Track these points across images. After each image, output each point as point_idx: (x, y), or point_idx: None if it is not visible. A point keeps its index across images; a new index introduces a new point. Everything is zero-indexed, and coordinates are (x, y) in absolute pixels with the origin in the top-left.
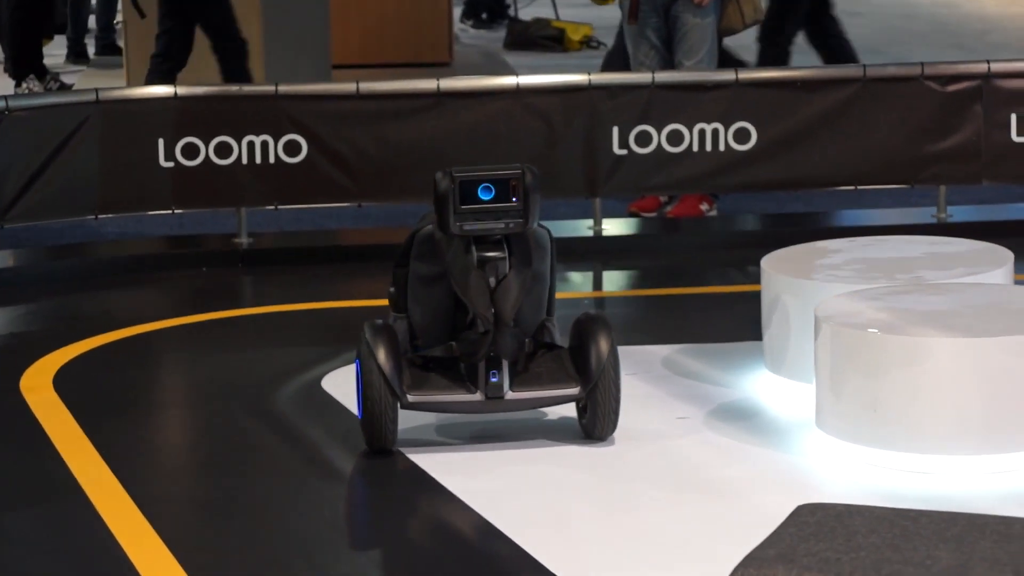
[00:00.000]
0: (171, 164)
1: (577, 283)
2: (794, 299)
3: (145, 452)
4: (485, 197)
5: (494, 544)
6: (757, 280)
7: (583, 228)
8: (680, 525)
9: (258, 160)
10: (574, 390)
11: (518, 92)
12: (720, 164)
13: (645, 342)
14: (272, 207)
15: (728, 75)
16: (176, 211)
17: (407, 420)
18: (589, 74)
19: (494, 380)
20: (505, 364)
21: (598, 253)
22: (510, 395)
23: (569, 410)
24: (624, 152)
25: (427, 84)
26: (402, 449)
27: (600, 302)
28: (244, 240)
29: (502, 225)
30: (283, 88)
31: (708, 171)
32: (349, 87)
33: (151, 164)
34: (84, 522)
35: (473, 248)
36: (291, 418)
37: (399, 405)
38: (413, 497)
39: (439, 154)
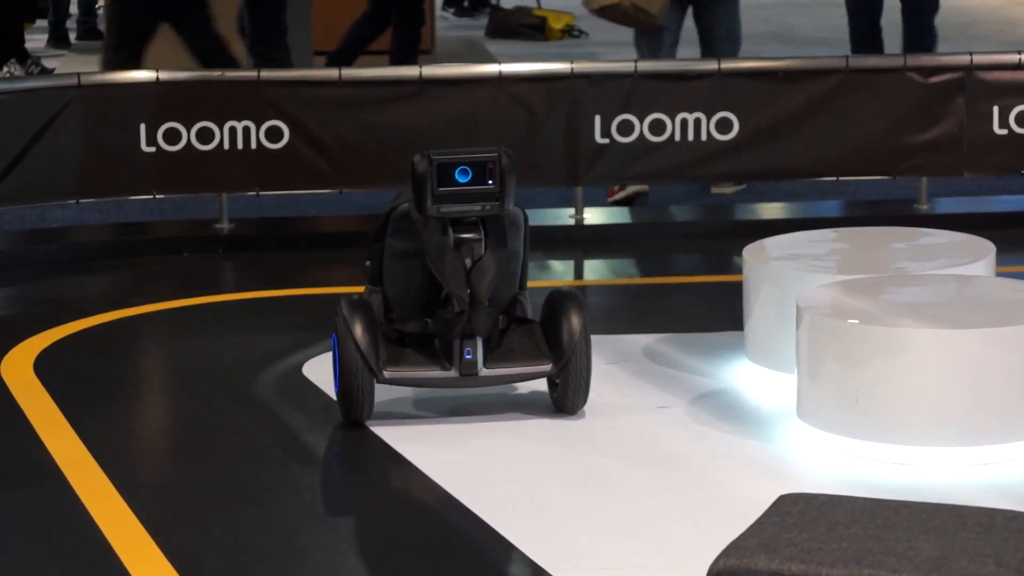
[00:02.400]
0: (152, 149)
1: (558, 272)
2: (775, 289)
3: (125, 437)
4: (462, 180)
5: (469, 526)
6: (738, 270)
7: (564, 217)
8: (659, 512)
9: (240, 146)
10: (546, 366)
11: (500, 80)
12: (702, 154)
13: (626, 331)
14: (253, 193)
15: (711, 65)
16: (157, 196)
17: (383, 393)
18: (571, 62)
19: (468, 357)
20: (479, 341)
21: (579, 242)
22: (484, 372)
23: (540, 383)
24: (606, 141)
25: (409, 71)
26: (379, 428)
27: (582, 291)
28: (225, 226)
29: (478, 207)
30: (265, 74)
31: (690, 161)
32: (331, 73)
33: (132, 149)
34: (64, 506)
35: (450, 230)
36: (271, 404)
37: (375, 380)
38: (391, 480)
39: (421, 141)
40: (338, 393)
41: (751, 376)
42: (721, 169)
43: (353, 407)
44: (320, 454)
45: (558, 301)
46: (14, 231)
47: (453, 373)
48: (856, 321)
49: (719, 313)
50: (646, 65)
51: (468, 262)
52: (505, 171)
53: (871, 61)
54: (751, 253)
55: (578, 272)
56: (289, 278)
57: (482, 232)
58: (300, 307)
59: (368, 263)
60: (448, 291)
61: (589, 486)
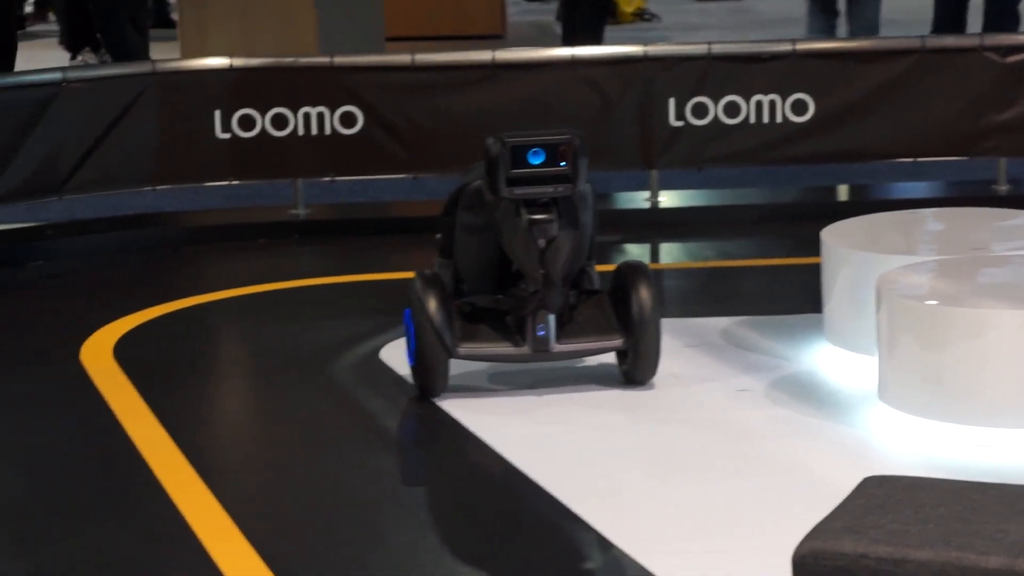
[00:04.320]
0: (228, 135)
1: (634, 255)
2: (855, 271)
3: (205, 421)
4: (535, 161)
5: (544, 505)
6: (815, 252)
7: (639, 200)
8: (739, 494)
9: (314, 131)
10: (618, 341)
11: (573, 63)
12: (777, 136)
13: (703, 314)
14: (328, 179)
15: (785, 46)
16: (233, 182)
17: (456, 366)
18: (644, 45)
19: (541, 334)
20: (551, 318)
21: (655, 225)
22: (556, 347)
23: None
24: (680, 124)
25: (482, 56)
26: (455, 409)
27: (657, 274)
28: (301, 212)
29: (551, 189)
30: (339, 60)
31: (765, 143)
32: (404, 59)
33: (208, 135)
34: (146, 491)
35: (523, 210)
36: (349, 388)
37: (449, 356)
38: (467, 461)
39: (493, 126)
40: (412, 368)
41: (831, 358)
42: (796, 151)
43: (428, 381)
44: (398, 437)
45: (627, 274)
46: (90, 219)
47: (526, 349)
48: (937, 302)
49: (797, 295)
50: (720, 47)
51: (542, 242)
52: (577, 153)
53: (947, 41)
54: (830, 235)
55: (654, 255)
56: (364, 263)
57: (555, 212)
58: (376, 292)
59: (439, 236)
60: (522, 271)
61: (667, 465)
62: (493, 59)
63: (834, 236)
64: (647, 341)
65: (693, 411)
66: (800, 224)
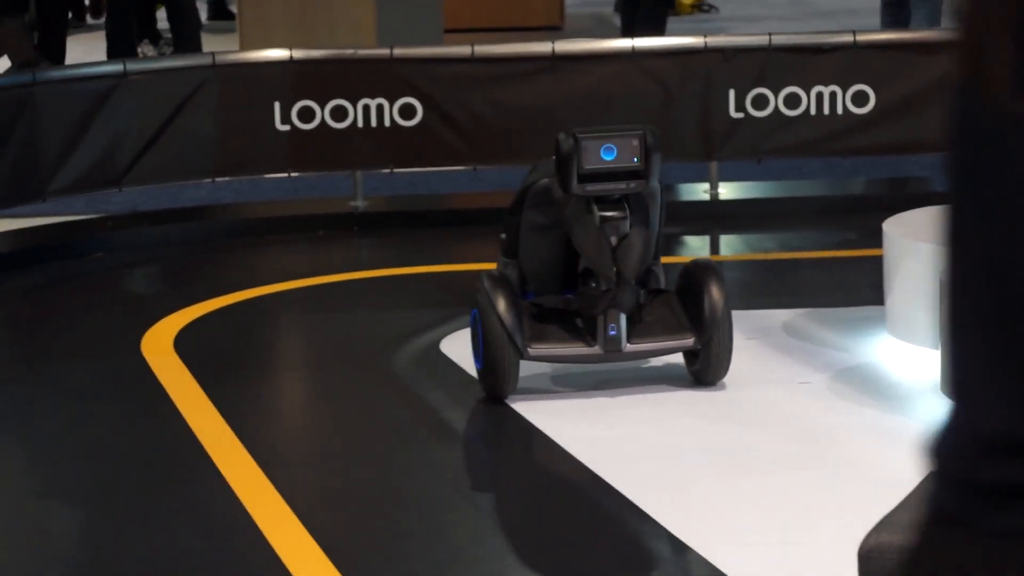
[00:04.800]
0: (287, 127)
1: (694, 247)
2: (918, 263)
3: (266, 414)
4: (607, 157)
5: (610, 501)
6: (876, 244)
7: (699, 192)
8: (803, 487)
9: (373, 123)
10: (689, 340)
11: (633, 55)
12: (838, 127)
13: (764, 306)
14: (387, 170)
15: (846, 37)
16: (292, 174)
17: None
18: (705, 36)
19: (612, 334)
20: (623, 318)
21: (715, 217)
22: (628, 347)
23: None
24: (741, 115)
25: (542, 47)
26: (517, 403)
27: (721, 265)
28: (360, 203)
29: (623, 186)
30: (398, 51)
31: (826, 135)
32: (464, 50)
33: (267, 127)
34: (209, 484)
35: (594, 207)
36: (410, 380)
37: (520, 357)
38: (531, 456)
39: (553, 117)
40: (480, 369)
41: (893, 351)
42: (857, 143)
43: (497, 383)
44: (460, 430)
45: (697, 273)
46: (150, 210)
47: (597, 349)
48: None
49: (858, 288)
50: (781, 38)
51: (613, 240)
52: (650, 149)
53: None
54: (892, 227)
55: (714, 247)
56: (423, 255)
57: (626, 209)
58: (434, 284)
59: (503, 236)
60: (594, 269)
61: (731, 461)
62: (553, 51)
63: (896, 228)
64: (719, 341)
65: (755, 402)
66: (861, 216)
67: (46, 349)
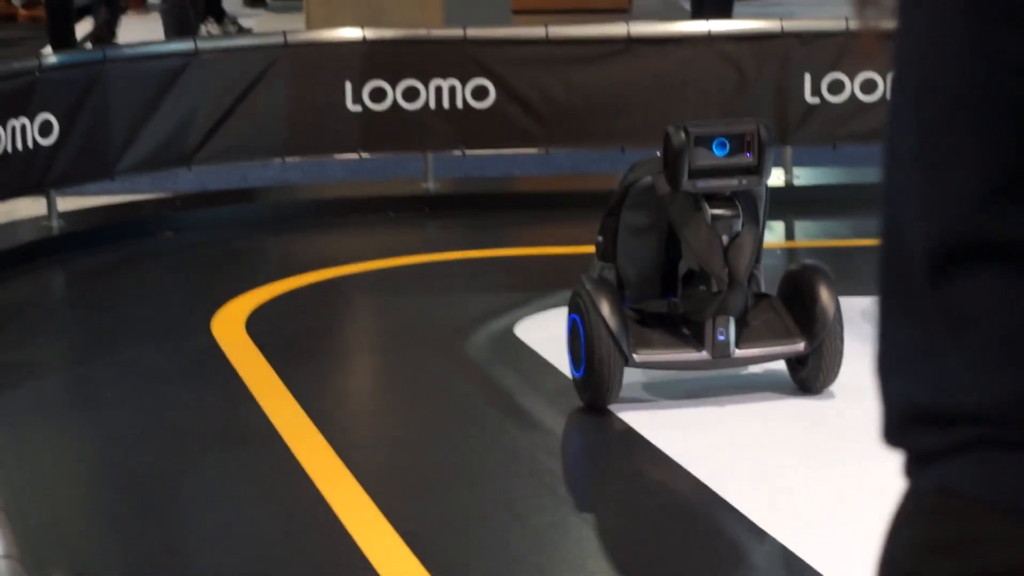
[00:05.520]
0: (358, 108)
1: (770, 233)
2: None
3: (340, 397)
4: (719, 153)
5: (693, 492)
6: None
7: (774, 177)
8: (882, 477)
9: (445, 105)
10: (799, 345)
11: (709, 39)
12: None
13: (844, 293)
14: (459, 152)
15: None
16: (362, 155)
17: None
18: (781, 20)
19: (721, 339)
20: (732, 322)
21: (789, 202)
22: (737, 353)
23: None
24: (816, 100)
25: (616, 29)
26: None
27: (791, 252)
28: (431, 185)
29: (735, 182)
30: (471, 32)
31: None
32: (538, 32)
33: (338, 108)
34: (283, 467)
35: (705, 205)
36: (485, 365)
37: (625, 364)
38: (614, 447)
39: (627, 100)
40: (581, 377)
41: None
42: None
43: (600, 392)
44: (537, 417)
45: (806, 276)
46: (219, 190)
47: (705, 355)
48: None
49: None
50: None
51: (725, 239)
52: (764, 143)
53: None
54: None
55: (788, 233)
56: (494, 238)
57: (738, 208)
58: (507, 267)
59: (600, 238)
60: (706, 270)
61: (821, 454)
62: (628, 33)
63: None
64: (830, 347)
65: (844, 392)
66: None
67: (116, 330)
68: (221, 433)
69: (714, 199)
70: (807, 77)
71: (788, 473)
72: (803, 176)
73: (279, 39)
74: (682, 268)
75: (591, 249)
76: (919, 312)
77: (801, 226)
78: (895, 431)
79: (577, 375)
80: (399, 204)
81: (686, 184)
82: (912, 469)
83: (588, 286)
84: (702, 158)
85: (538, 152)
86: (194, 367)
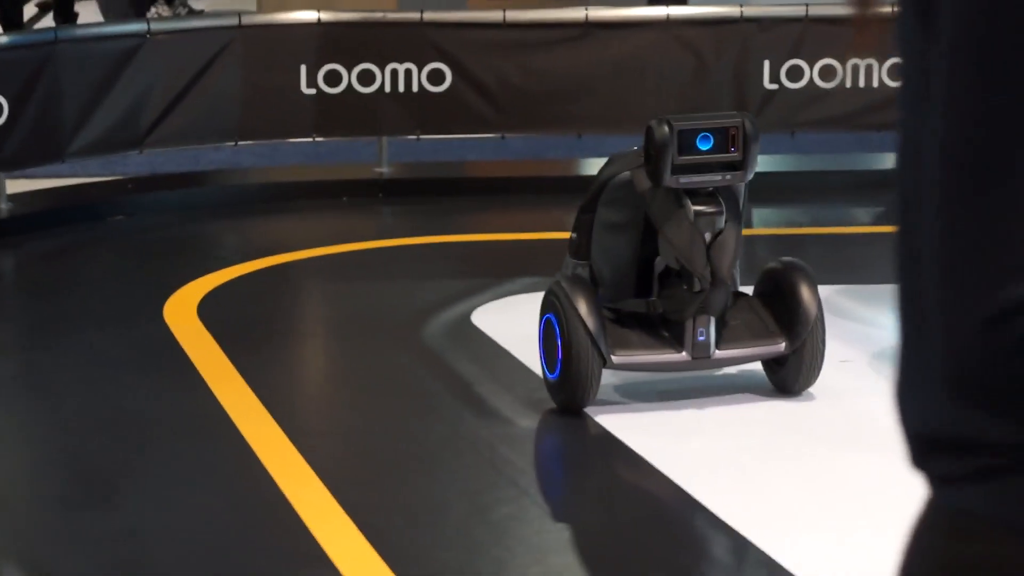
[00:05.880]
0: (313, 91)
1: None
2: None
3: (294, 384)
4: (703, 147)
5: (656, 484)
6: None
7: None
8: (861, 480)
9: (401, 88)
10: (780, 345)
11: (668, 24)
12: (873, 101)
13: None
14: (414, 137)
15: (886, 8)
16: (316, 139)
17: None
18: (741, 6)
19: (702, 339)
20: (712, 322)
21: (750, 190)
22: (717, 353)
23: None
24: (775, 87)
25: (575, 14)
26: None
27: (749, 240)
28: (385, 170)
29: (719, 178)
30: (428, 16)
31: (861, 108)
32: (495, 16)
33: (293, 91)
34: (236, 455)
35: (687, 201)
36: (441, 352)
37: (604, 365)
38: (577, 441)
39: (584, 86)
40: (556, 380)
41: None
42: (893, 117)
43: (577, 394)
44: (495, 406)
45: (785, 273)
46: (171, 173)
47: (684, 356)
48: None
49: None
50: (818, 9)
51: (707, 236)
52: (749, 138)
53: None
54: None
55: (746, 220)
56: (449, 223)
57: (721, 204)
58: (462, 253)
59: (574, 235)
60: (688, 268)
61: (778, 450)
62: (586, 18)
63: None
64: (812, 347)
65: (828, 404)
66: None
67: (66, 315)
68: (174, 421)
69: (696, 195)
70: (766, 63)
71: (767, 477)
72: (761, 163)
73: (233, 21)
74: (659, 266)
75: (547, 235)
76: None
77: (759, 213)
78: (917, 457)
79: (551, 377)
80: (353, 189)
81: (669, 180)
82: (933, 488)
83: (564, 285)
84: (686, 153)
85: (494, 137)
86: (146, 353)
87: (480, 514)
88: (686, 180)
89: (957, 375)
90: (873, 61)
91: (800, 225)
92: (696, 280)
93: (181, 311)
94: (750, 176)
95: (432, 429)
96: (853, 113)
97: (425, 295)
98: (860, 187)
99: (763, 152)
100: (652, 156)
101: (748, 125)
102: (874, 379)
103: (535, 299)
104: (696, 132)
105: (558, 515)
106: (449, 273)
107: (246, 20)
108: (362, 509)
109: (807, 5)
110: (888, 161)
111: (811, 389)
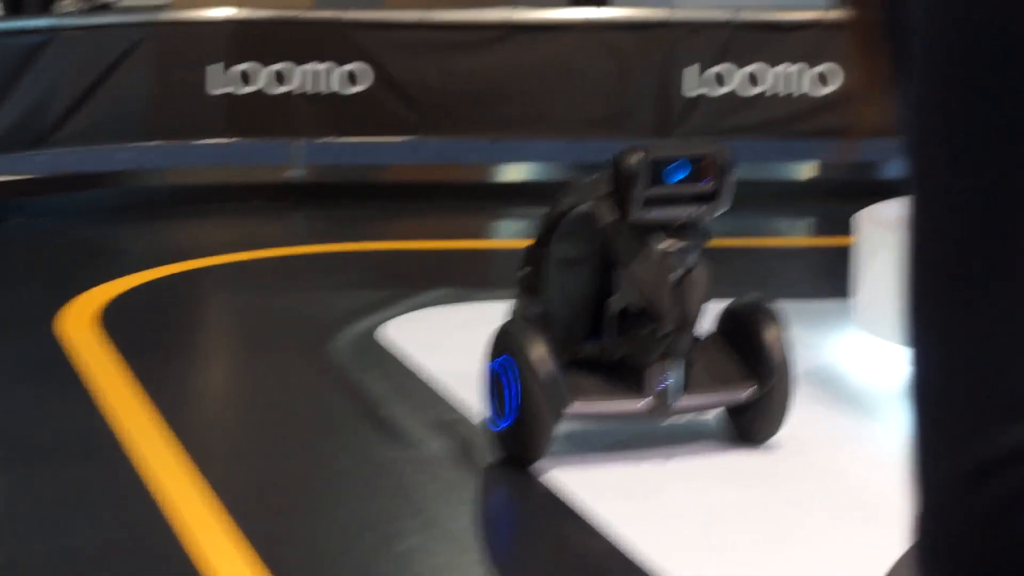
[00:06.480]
0: (225, 91)
1: None
2: (894, 257)
3: (196, 400)
4: (676, 178)
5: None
6: (835, 231)
7: None
8: (833, 543)
9: (317, 89)
10: (747, 392)
11: (591, 27)
12: (800, 108)
13: (721, 295)
14: (329, 139)
15: (813, 15)
16: (228, 140)
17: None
18: (668, 9)
19: (665, 386)
20: (678, 366)
21: None
22: (681, 401)
23: None
24: (699, 93)
25: (497, 15)
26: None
27: None
28: (298, 173)
29: (692, 211)
30: (348, 15)
31: (787, 115)
32: (416, 16)
33: (204, 90)
34: (132, 477)
35: (656, 237)
36: (349, 370)
37: (560, 416)
38: (494, 468)
39: (506, 89)
40: (506, 430)
41: (862, 347)
42: (820, 124)
43: (531, 446)
44: (403, 428)
45: (749, 313)
46: (77, 173)
47: (646, 404)
48: None
49: (819, 278)
50: (745, 14)
51: (676, 275)
52: (724, 168)
53: None
54: (867, 219)
55: None
56: (362, 230)
57: (691, 239)
58: (373, 262)
59: (526, 270)
60: (654, 309)
61: (777, 533)
62: (509, 20)
63: (872, 219)
64: (780, 394)
65: (796, 456)
66: (820, 201)
67: None
68: (63, 441)
69: (665, 229)
70: (692, 69)
71: (729, 542)
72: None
73: (145, 17)
74: (615, 305)
75: (461, 244)
76: None
77: None
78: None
79: (500, 427)
80: (265, 192)
81: (638, 213)
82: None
83: (518, 326)
84: (658, 184)
85: (412, 140)
86: (39, 367)
87: (386, 545)
88: (657, 214)
89: (931, 543)
90: (802, 67)
91: (722, 235)
92: (662, 322)
93: (80, 321)
94: (724, 209)
95: (338, 453)
96: (779, 120)
97: (334, 307)
98: (784, 196)
99: None
100: (620, 187)
101: (723, 154)
102: (843, 429)
103: (447, 312)
104: (669, 161)
105: (466, 546)
106: (359, 283)
107: (158, 17)
108: (265, 540)
109: (736, 10)
110: (814, 170)
111: (776, 438)
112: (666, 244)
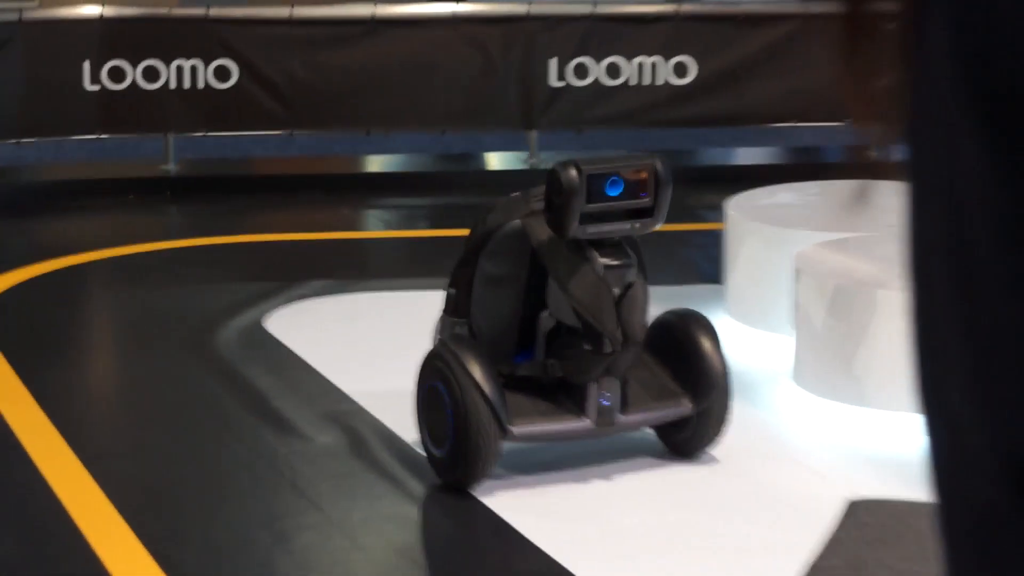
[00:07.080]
0: (96, 87)
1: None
2: (765, 246)
3: (83, 399)
4: (612, 193)
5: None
6: (694, 219)
7: (518, 161)
8: (778, 557)
9: (187, 85)
10: (686, 407)
11: (454, 21)
12: (659, 98)
13: None
14: (200, 134)
15: (669, 8)
16: (101, 136)
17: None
18: (528, 3)
19: (606, 404)
20: (617, 384)
21: (534, 186)
22: (620, 419)
23: None
24: (561, 84)
25: (362, 10)
26: (384, 415)
27: None
28: (171, 167)
29: (628, 226)
30: (215, 12)
31: (646, 105)
32: (282, 12)
33: (76, 87)
34: (22, 479)
35: (594, 254)
36: (236, 363)
37: (503, 438)
38: (387, 460)
39: (372, 83)
40: (445, 455)
41: (735, 335)
42: (678, 114)
43: (470, 471)
44: (293, 420)
45: (682, 326)
46: None
47: (587, 423)
48: (861, 282)
49: (683, 264)
50: (604, 8)
51: (616, 292)
52: (661, 182)
53: (830, 6)
54: (736, 208)
55: None
56: (238, 223)
57: (629, 255)
58: (251, 255)
59: (452, 291)
60: (595, 327)
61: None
62: (373, 15)
63: (741, 208)
64: (719, 408)
65: (734, 470)
66: (692, 190)
67: None
68: None
69: (601, 246)
70: (553, 61)
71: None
72: (548, 160)
73: (13, 16)
74: (546, 323)
75: (336, 235)
76: None
77: None
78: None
79: (438, 453)
80: (139, 186)
81: (576, 230)
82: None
83: (451, 347)
84: (595, 200)
85: (282, 134)
86: None
87: (283, 543)
88: (594, 230)
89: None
90: (659, 59)
91: None
92: (604, 340)
93: None
94: (660, 223)
95: (229, 448)
96: (638, 110)
97: (216, 299)
98: None
99: (548, 148)
100: (556, 204)
101: (660, 168)
102: (778, 443)
103: (328, 303)
104: (606, 177)
105: (363, 541)
106: (239, 275)
107: (27, 16)
108: (159, 539)
109: (595, 3)
110: (671, 158)
111: (712, 452)
112: (605, 262)
